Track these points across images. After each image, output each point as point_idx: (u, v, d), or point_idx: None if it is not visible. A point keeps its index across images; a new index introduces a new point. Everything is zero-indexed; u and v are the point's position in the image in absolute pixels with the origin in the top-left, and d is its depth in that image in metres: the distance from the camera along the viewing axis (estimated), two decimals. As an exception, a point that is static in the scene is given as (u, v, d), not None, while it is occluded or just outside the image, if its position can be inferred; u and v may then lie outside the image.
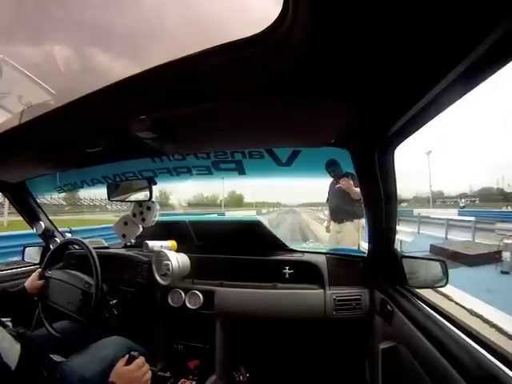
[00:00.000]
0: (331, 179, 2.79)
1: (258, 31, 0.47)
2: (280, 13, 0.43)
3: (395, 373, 1.01)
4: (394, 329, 1.04)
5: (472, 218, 10.31)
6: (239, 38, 0.48)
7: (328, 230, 3.48)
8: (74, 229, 2.04)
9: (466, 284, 4.26)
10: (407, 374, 0.89)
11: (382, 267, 1.25)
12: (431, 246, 7.32)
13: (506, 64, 0.47)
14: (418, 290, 1.10)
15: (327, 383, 1.51)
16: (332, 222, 3.28)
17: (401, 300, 1.05)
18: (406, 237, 7.11)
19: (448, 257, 6.10)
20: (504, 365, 0.59)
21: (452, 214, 15.84)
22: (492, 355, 0.62)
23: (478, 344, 0.67)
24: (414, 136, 0.80)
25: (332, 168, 2.25)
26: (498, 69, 0.48)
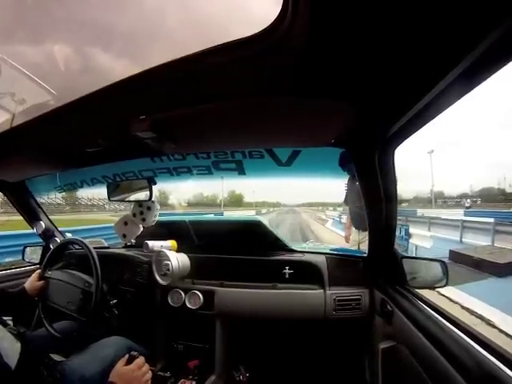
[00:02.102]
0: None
1: (258, 31, 0.47)
2: (279, 12, 0.43)
3: (395, 372, 1.01)
4: (394, 329, 1.04)
5: (483, 219, 9.53)
6: (239, 37, 0.48)
7: (348, 240, 2.84)
8: (68, 229, 2.03)
9: (503, 301, 3.49)
10: (407, 373, 0.89)
11: (382, 267, 1.25)
12: (451, 252, 6.27)
13: (506, 64, 0.47)
14: (417, 290, 1.10)
15: (327, 383, 1.51)
16: (353, 230, 2.67)
17: (401, 300, 1.05)
18: (424, 241, 6.07)
19: (472, 265, 5.42)
20: (504, 364, 0.59)
21: (457, 214, 14.85)
22: (492, 355, 0.62)
23: (478, 344, 0.67)
24: (414, 136, 0.80)
25: (350, 165, 1.90)
26: (498, 69, 0.48)
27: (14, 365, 0.81)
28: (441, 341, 0.75)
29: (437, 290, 3.79)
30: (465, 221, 9.92)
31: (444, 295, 3.75)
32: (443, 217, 12.69)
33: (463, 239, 9.01)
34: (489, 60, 0.47)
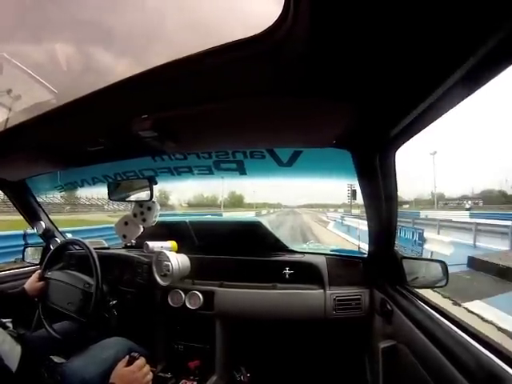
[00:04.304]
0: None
1: (259, 31, 0.47)
2: (281, 13, 0.44)
3: (396, 372, 1.01)
4: (394, 328, 1.05)
5: (494, 222, 8.80)
6: (240, 38, 0.49)
7: None
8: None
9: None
10: (408, 372, 0.89)
11: (382, 268, 1.25)
12: (470, 258, 5.56)
13: (508, 66, 0.47)
14: (417, 290, 1.10)
15: (328, 383, 1.51)
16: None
17: (400, 299, 1.05)
18: (442, 248, 5.30)
19: (497, 274, 4.88)
20: (503, 361, 0.59)
21: (463, 216, 14.48)
22: (491, 353, 0.62)
23: (477, 342, 0.67)
24: (414, 137, 0.80)
25: None
26: (501, 70, 0.48)
27: (14, 367, 0.81)
28: (440, 339, 0.75)
29: (465, 306, 3.54)
30: (478, 223, 9.16)
31: (473, 312, 3.45)
32: (453, 219, 11.93)
33: (477, 243, 8.24)
34: (492, 61, 0.47)
